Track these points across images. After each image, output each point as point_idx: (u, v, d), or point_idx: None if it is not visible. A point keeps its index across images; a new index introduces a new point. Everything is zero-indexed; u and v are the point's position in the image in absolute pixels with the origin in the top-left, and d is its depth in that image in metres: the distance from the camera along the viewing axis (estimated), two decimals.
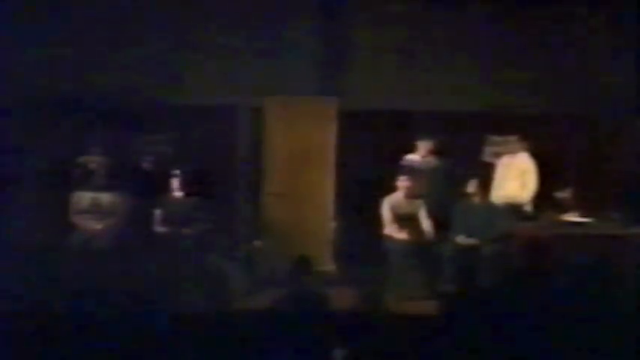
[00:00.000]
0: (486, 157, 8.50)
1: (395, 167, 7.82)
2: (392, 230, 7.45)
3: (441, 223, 7.47)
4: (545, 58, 8.61)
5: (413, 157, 7.95)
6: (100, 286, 5.80)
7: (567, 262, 6.50)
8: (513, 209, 7.66)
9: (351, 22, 8.59)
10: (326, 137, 7.94)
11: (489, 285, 6.84)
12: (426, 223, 7.50)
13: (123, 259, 6.72)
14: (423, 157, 7.92)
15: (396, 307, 5.76)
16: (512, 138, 8.04)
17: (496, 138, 8.52)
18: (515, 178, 7.88)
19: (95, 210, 7.44)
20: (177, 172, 7.56)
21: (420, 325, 5.24)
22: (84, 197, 7.47)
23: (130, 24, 8.40)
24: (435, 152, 7.92)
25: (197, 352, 5.03)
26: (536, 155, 7.93)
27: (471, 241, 7.21)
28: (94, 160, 7.71)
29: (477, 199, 7.48)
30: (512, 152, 8.02)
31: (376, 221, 7.53)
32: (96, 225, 7.39)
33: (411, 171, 7.76)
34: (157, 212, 7.47)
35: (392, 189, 7.58)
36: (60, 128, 8.12)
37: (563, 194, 7.73)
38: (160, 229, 7.42)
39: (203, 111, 8.25)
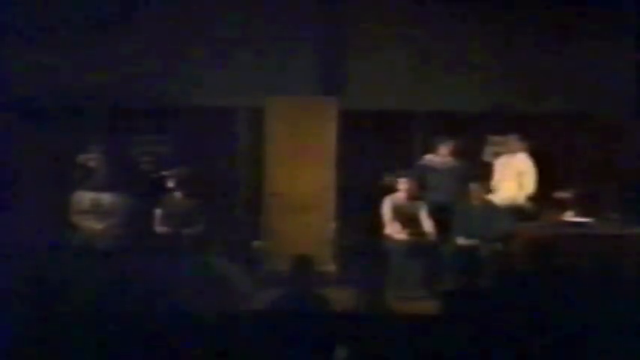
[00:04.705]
0: (486, 157, 8.51)
1: (395, 167, 7.82)
2: (392, 230, 7.46)
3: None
4: (545, 58, 8.62)
5: (432, 158, 7.96)
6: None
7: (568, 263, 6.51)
8: (512, 209, 7.67)
9: (351, 21, 8.60)
10: (326, 137, 7.94)
11: (489, 285, 6.84)
12: (427, 224, 7.51)
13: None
14: (442, 157, 7.92)
15: (396, 307, 5.76)
16: (512, 137, 8.05)
17: (496, 138, 8.52)
18: (512, 178, 7.88)
19: (96, 210, 7.44)
20: (178, 172, 7.57)
21: (420, 325, 5.24)
22: (84, 197, 7.47)
23: (130, 24, 8.40)
24: (454, 153, 7.92)
25: (197, 352, 5.03)
26: (536, 155, 7.94)
27: (472, 241, 7.23)
28: (94, 160, 7.69)
29: (477, 200, 7.48)
30: (511, 152, 8.02)
31: (376, 221, 7.54)
32: (96, 225, 7.40)
33: (430, 171, 7.81)
34: (157, 212, 7.48)
35: (392, 189, 7.59)
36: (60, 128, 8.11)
37: (563, 194, 7.73)
38: (160, 229, 7.43)
39: (203, 111, 8.25)
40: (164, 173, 7.74)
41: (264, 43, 8.41)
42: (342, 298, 5.69)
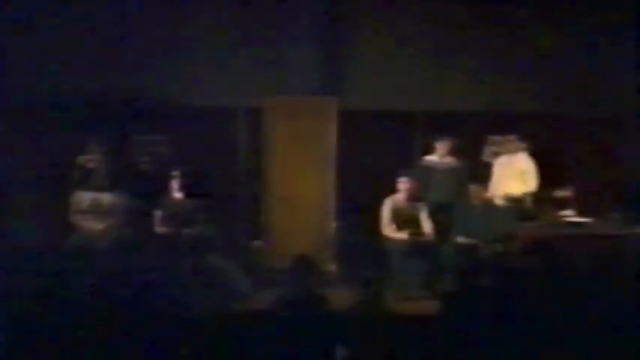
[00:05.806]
0: (486, 158, 8.51)
1: (395, 167, 7.82)
2: (392, 231, 7.46)
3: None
4: (546, 59, 8.62)
5: (431, 158, 7.95)
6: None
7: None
8: (512, 209, 7.67)
9: (351, 22, 8.60)
10: (326, 137, 7.94)
11: (489, 285, 6.84)
12: (427, 224, 7.50)
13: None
14: (441, 157, 7.92)
15: (396, 307, 5.76)
16: (512, 138, 8.05)
17: (496, 138, 8.53)
18: (514, 177, 7.89)
19: (95, 210, 7.43)
20: (178, 172, 7.57)
21: (420, 325, 5.24)
22: (84, 197, 7.46)
23: (130, 24, 8.40)
24: (452, 152, 7.90)
25: (197, 353, 5.03)
26: (536, 155, 7.94)
27: (472, 241, 7.23)
28: (93, 160, 7.69)
29: (477, 200, 7.48)
30: (512, 152, 8.03)
31: (376, 221, 7.54)
32: (96, 225, 7.39)
33: (429, 171, 7.81)
34: (157, 213, 7.48)
35: (392, 189, 7.59)
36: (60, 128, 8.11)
37: (563, 194, 7.73)
38: (160, 229, 7.43)
39: (203, 112, 8.25)
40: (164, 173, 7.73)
41: (264, 42, 8.41)
42: (342, 298, 5.68)
